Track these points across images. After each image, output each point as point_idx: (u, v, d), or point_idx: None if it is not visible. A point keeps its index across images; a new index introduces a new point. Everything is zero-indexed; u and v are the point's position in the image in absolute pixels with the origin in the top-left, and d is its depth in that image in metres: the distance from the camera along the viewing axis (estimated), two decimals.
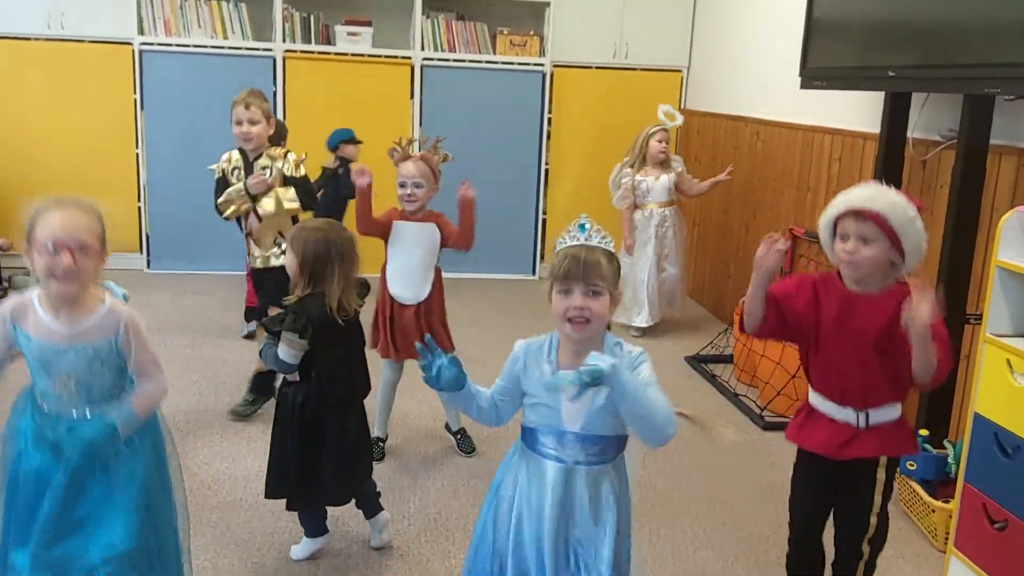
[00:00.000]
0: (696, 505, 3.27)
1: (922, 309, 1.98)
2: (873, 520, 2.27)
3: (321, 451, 2.64)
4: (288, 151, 3.82)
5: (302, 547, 2.80)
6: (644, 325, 5.26)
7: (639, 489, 3.35)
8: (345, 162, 5.31)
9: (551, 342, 2.02)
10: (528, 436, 2.02)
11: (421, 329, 3.32)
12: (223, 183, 3.78)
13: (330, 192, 5.23)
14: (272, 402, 3.23)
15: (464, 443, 3.61)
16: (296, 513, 2.80)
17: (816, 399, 2.31)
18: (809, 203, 4.73)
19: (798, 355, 2.42)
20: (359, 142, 5.41)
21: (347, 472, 2.71)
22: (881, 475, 2.24)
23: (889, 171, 3.67)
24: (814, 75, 3.97)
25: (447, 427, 3.68)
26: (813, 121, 4.69)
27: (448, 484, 3.35)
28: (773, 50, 5.12)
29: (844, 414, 2.23)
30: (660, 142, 5.20)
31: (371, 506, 2.86)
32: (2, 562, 2.10)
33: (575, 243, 1.96)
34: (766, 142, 5.13)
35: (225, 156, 3.83)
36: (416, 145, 3.52)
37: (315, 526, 2.81)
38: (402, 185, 3.35)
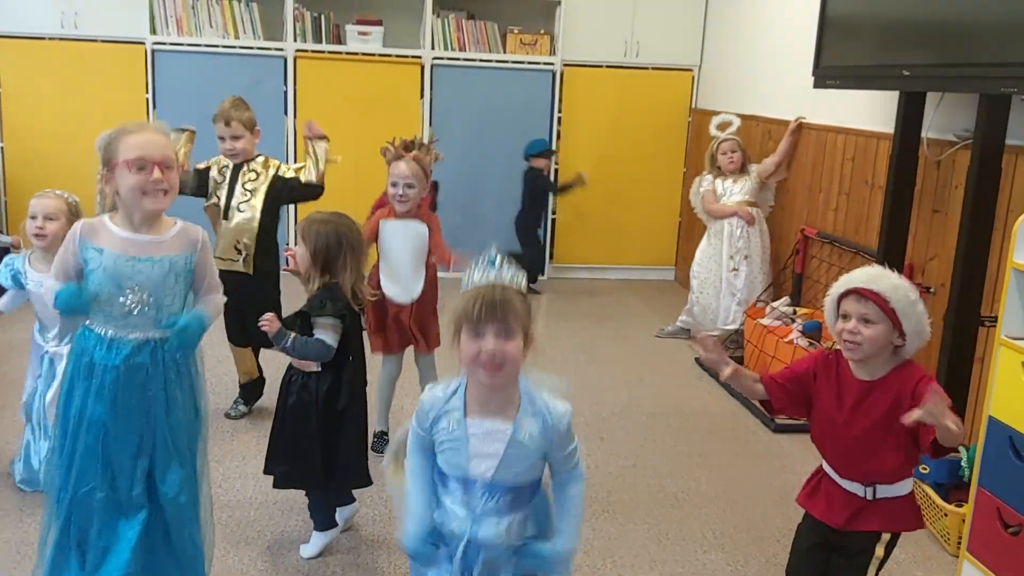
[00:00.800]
0: (706, 507, 3.25)
1: (943, 421, 1.93)
2: None
3: (340, 437, 2.68)
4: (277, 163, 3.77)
5: (312, 544, 2.80)
6: (730, 327, 5.09)
7: (648, 490, 3.34)
8: (535, 172, 5.87)
9: (458, 389, 1.86)
10: (440, 480, 1.90)
11: (413, 319, 3.41)
12: (202, 174, 3.73)
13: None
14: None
15: None
16: (308, 509, 2.81)
17: (827, 467, 2.26)
18: (822, 204, 4.70)
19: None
20: (553, 153, 5.44)
21: (365, 454, 2.77)
22: (879, 552, 2.17)
23: (903, 172, 3.64)
24: (827, 74, 3.95)
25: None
26: (826, 120, 4.67)
27: None
28: (786, 49, 5.09)
29: (852, 486, 2.18)
30: (725, 154, 5.07)
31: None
32: (70, 505, 2.15)
33: (483, 282, 1.78)
34: (778, 141, 5.10)
35: (216, 158, 3.80)
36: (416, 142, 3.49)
37: (327, 519, 2.82)
38: (394, 185, 3.36)
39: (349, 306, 2.65)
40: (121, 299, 2.09)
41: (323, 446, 2.66)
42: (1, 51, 5.95)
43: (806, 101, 4.75)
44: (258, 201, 3.68)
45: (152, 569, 2.21)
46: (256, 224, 3.67)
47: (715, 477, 3.50)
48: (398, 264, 3.41)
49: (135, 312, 2.11)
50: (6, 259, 3.12)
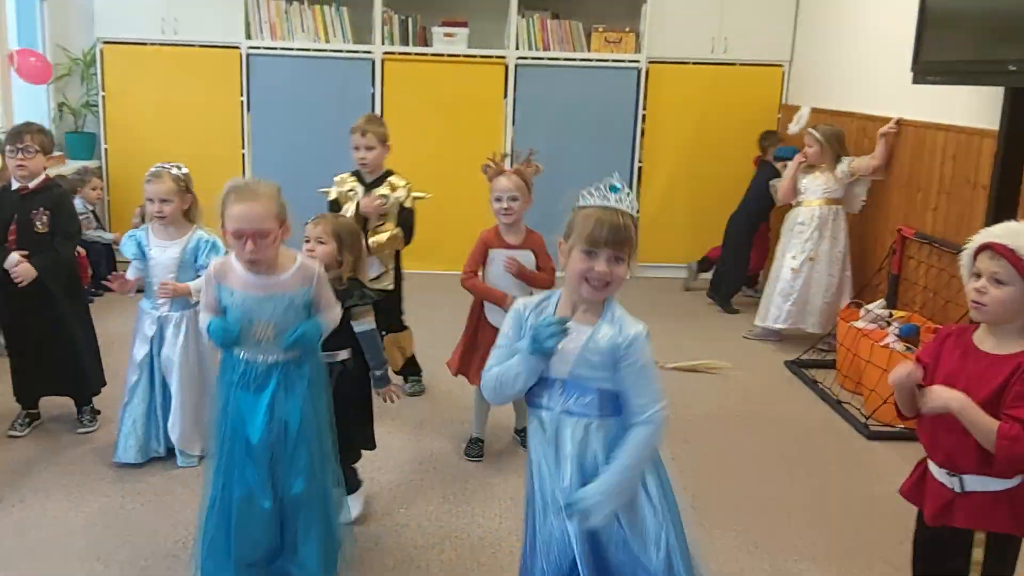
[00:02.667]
0: (796, 515, 3.17)
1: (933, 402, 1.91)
2: None
3: (365, 408, 2.97)
4: (409, 184, 3.92)
5: (354, 504, 2.92)
6: (775, 326, 5.03)
7: (735, 496, 3.28)
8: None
9: (552, 298, 2.04)
10: (528, 391, 2.03)
11: None
12: (336, 205, 3.88)
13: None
14: None
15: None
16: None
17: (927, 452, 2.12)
18: (920, 203, 4.54)
19: None
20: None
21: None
22: (977, 555, 1.99)
23: (1008, 171, 3.50)
24: (928, 69, 3.81)
25: (517, 431, 3.70)
26: (925, 117, 4.50)
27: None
28: (882, 42, 4.93)
29: (941, 474, 2.03)
30: (806, 147, 4.97)
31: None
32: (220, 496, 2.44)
33: (605, 204, 1.92)
34: (873, 139, 4.94)
35: (338, 178, 3.96)
36: (509, 160, 3.51)
37: (356, 479, 3.03)
38: (498, 199, 3.37)
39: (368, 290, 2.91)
40: (252, 331, 2.39)
41: (359, 419, 2.94)
42: (106, 56, 6.22)
43: (903, 96, 4.59)
44: (392, 224, 3.86)
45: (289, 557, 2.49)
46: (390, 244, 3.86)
47: (806, 485, 3.42)
48: (506, 290, 3.37)
49: (263, 341, 2.40)
50: (128, 233, 3.39)
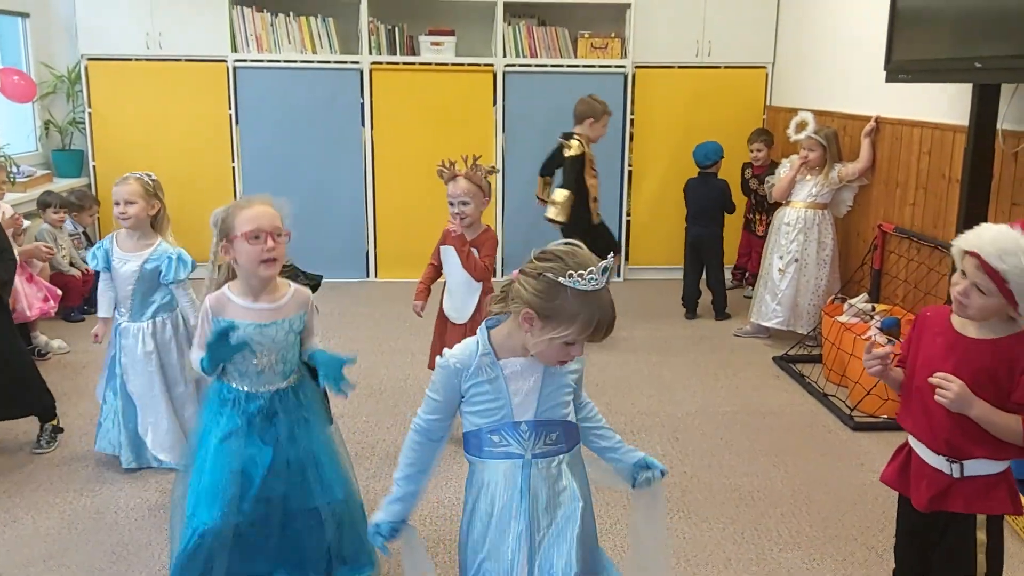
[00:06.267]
0: (782, 506, 3.25)
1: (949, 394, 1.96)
2: None
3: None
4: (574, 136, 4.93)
5: None
6: (764, 323, 5.11)
7: (723, 489, 3.36)
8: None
9: (479, 341, 1.93)
10: (472, 442, 1.95)
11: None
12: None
13: None
14: None
15: None
16: None
17: (912, 440, 2.15)
18: (898, 198, 4.63)
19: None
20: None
21: None
22: (980, 536, 2.05)
23: (979, 165, 3.57)
24: (900, 68, 3.89)
25: None
26: (901, 114, 4.59)
27: None
28: (858, 43, 5.03)
29: (937, 461, 2.07)
30: (801, 151, 5.03)
31: None
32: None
33: (598, 286, 1.78)
34: (853, 137, 5.03)
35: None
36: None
37: None
38: (451, 204, 3.58)
39: None
40: (255, 361, 2.39)
41: None
42: (91, 73, 6.26)
43: (880, 95, 4.68)
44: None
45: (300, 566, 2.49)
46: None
47: (791, 476, 3.49)
48: (456, 286, 3.65)
49: (266, 370, 2.41)
50: (95, 244, 3.43)
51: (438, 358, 1.97)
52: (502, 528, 1.89)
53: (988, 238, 1.97)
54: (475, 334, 1.95)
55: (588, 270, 1.76)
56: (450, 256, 3.65)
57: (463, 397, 1.94)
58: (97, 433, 3.46)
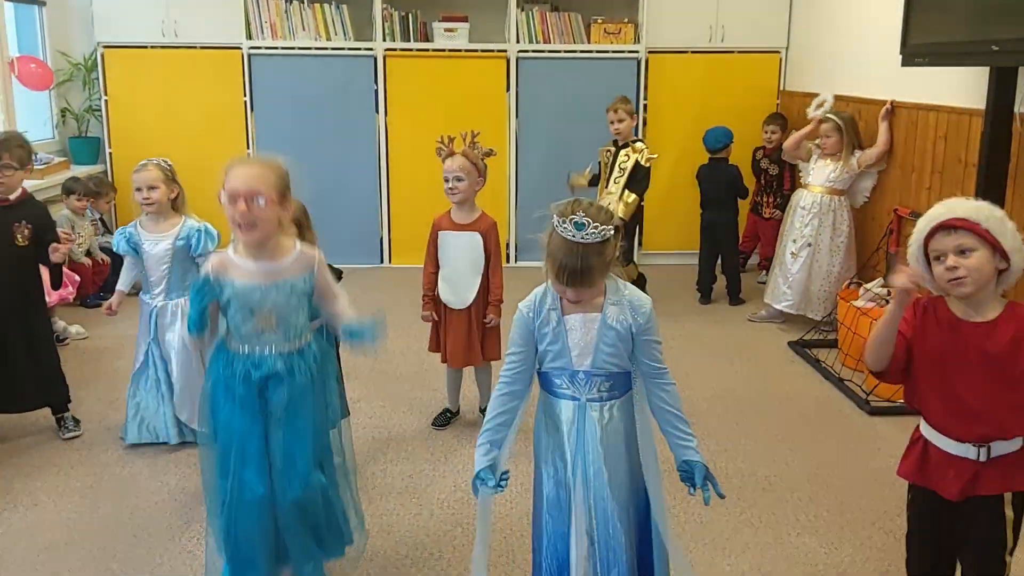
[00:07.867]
0: (799, 491, 3.25)
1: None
2: (1009, 560, 2.07)
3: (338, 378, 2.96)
4: (645, 147, 5.00)
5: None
6: (777, 306, 5.12)
7: (740, 474, 3.36)
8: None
9: (546, 295, 2.12)
10: (544, 382, 2.17)
11: (470, 335, 3.59)
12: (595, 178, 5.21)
13: None
14: None
15: None
16: None
17: (929, 432, 2.13)
18: (915, 183, 4.61)
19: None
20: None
21: None
22: (1008, 512, 2.04)
23: (996, 149, 3.56)
24: (916, 52, 3.87)
25: (482, 410, 3.78)
26: (917, 98, 4.56)
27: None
28: (873, 26, 4.99)
29: (962, 449, 2.05)
30: (820, 136, 5.00)
31: None
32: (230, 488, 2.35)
33: (569, 238, 1.96)
34: (868, 122, 5.01)
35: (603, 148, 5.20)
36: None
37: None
38: (445, 179, 3.55)
39: None
40: (254, 321, 2.31)
41: None
42: (107, 61, 6.30)
43: (896, 79, 4.65)
44: (624, 181, 4.94)
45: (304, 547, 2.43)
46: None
47: (808, 461, 3.50)
48: (453, 273, 3.60)
49: (266, 332, 2.33)
50: (119, 229, 3.53)
51: (519, 307, 2.16)
52: (559, 443, 2.13)
53: (935, 212, 2.02)
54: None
55: (568, 218, 1.96)
56: (448, 242, 3.59)
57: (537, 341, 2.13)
58: (125, 428, 3.55)
